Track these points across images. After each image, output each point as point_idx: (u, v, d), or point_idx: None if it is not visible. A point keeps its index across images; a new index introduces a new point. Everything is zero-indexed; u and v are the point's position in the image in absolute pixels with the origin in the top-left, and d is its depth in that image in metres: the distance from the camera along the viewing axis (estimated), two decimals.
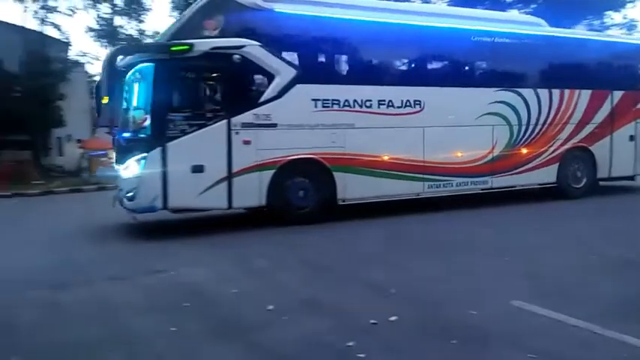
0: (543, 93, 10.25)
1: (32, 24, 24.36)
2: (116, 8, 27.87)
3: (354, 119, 8.53)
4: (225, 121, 7.61)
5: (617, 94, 10.96)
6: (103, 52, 27.42)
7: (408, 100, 8.95)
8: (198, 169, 7.46)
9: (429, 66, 9.73)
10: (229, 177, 7.68)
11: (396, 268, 5.62)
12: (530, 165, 10.21)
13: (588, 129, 10.76)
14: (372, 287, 4.91)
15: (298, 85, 8.06)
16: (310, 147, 8.23)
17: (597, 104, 10.84)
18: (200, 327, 3.91)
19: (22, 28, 23.17)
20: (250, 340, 3.61)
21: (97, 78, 7.08)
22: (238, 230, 8.12)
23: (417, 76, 9.44)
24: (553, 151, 10.44)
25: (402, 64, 9.63)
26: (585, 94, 10.68)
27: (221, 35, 7.63)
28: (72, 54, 27.12)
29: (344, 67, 8.91)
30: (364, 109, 8.62)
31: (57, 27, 25.46)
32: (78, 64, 26.94)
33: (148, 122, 7.25)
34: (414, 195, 9.35)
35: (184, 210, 7.84)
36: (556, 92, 10.38)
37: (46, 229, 8.78)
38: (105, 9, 27.60)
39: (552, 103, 10.35)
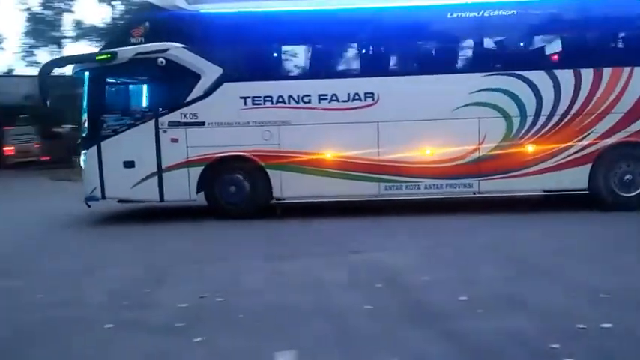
0: (565, 75, 8.04)
1: None
2: None
3: (290, 116, 8.18)
4: (152, 121, 8.20)
5: None
6: None
7: (356, 93, 8.12)
8: (129, 164, 8.25)
9: (382, 54, 8.50)
10: (159, 172, 8.27)
11: (606, 268, 5.07)
12: (541, 166, 8.16)
13: None
14: (578, 287, 4.46)
15: (226, 84, 8.13)
16: (241, 144, 8.24)
17: None
18: (394, 309, 4.04)
19: None
20: (444, 328, 3.57)
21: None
22: (418, 216, 8.23)
23: (366, 66, 8.42)
24: (582, 149, 8.12)
25: (345, 55, 8.65)
26: None
27: (152, 40, 8.15)
28: None
29: (275, 62, 8.51)
30: (302, 104, 8.17)
31: None
32: None
33: (86, 124, 8.34)
34: (371, 197, 8.52)
35: (124, 201, 8.72)
36: (587, 73, 8.02)
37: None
38: None
39: (580, 87, 8.03)
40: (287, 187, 8.31)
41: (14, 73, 27.75)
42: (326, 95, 8.15)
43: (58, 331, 3.80)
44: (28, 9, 26.33)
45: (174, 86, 8.26)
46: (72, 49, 26.10)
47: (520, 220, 7.81)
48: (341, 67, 8.57)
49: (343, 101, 8.16)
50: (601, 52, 8.20)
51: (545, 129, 8.13)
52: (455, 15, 8.08)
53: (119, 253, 6.58)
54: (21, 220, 9.31)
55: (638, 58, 8.05)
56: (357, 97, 8.14)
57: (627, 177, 8.16)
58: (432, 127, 8.10)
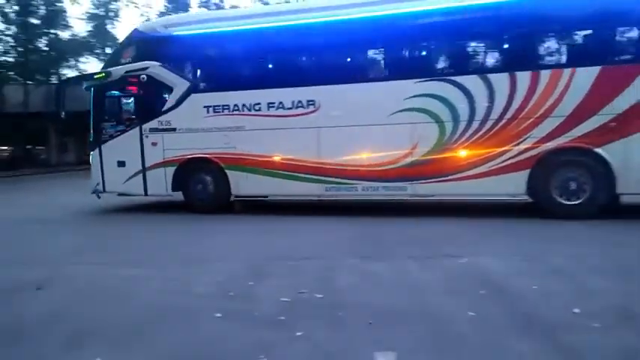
0: (498, 79, 7.94)
1: None
2: None
3: (243, 122, 9.18)
4: (137, 128, 9.77)
5: None
6: None
7: (299, 101, 8.85)
8: (121, 164, 9.94)
9: (320, 65, 8.94)
10: (143, 171, 9.84)
11: None
12: (475, 171, 8.16)
13: (594, 122, 7.60)
14: None
15: (193, 95, 9.40)
16: (205, 148, 9.46)
17: (614, 87, 7.50)
18: (499, 317, 3.83)
19: None
20: (558, 341, 3.36)
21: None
22: (506, 220, 8.05)
23: (307, 77, 8.94)
24: (519, 154, 7.96)
25: (287, 67, 9.19)
26: (587, 74, 7.59)
27: (138, 60, 9.67)
28: None
29: (231, 75, 9.44)
30: (253, 112, 9.11)
31: None
32: None
33: (92, 130, 10.19)
34: (315, 196, 9.19)
35: (121, 194, 10.41)
36: (523, 76, 7.82)
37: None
38: None
39: (515, 90, 7.87)
40: (243, 185, 9.37)
41: None
42: (273, 103, 9.01)
43: (174, 316, 4.06)
44: (148, 20, 30.27)
45: (154, 98, 9.73)
46: None
47: (610, 228, 7.26)
48: (285, 77, 9.16)
49: (288, 108, 8.94)
50: (537, 55, 7.91)
51: (479, 134, 8.10)
52: (388, 24, 8.39)
53: (217, 247, 6.83)
54: (132, 212, 10.54)
55: (579, 58, 7.67)
56: (300, 104, 8.87)
57: (570, 184, 7.82)
58: (368, 132, 8.54)
